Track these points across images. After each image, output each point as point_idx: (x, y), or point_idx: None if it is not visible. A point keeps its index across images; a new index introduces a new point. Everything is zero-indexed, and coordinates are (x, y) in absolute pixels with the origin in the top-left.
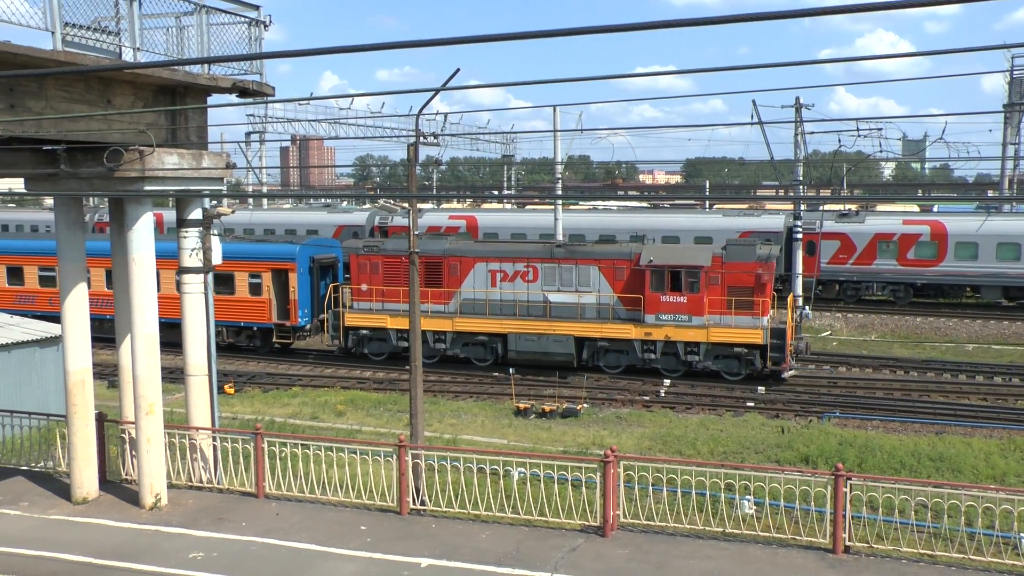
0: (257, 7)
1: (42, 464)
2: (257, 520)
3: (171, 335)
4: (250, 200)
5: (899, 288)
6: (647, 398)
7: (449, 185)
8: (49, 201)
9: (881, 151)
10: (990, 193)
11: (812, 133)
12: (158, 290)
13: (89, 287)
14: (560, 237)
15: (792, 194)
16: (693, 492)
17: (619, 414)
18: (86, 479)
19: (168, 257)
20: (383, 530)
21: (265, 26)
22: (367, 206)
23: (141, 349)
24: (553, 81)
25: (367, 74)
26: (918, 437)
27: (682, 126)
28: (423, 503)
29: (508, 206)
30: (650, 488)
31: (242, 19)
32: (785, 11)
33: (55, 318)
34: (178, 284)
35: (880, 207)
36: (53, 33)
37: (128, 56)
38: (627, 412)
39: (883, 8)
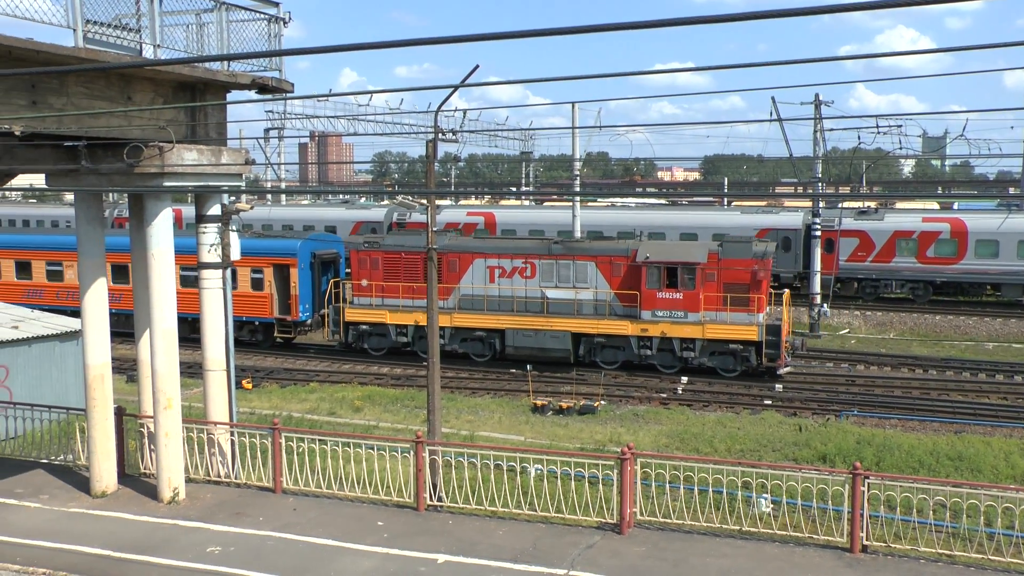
0: (277, 4)
1: (62, 457)
2: (274, 515)
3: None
4: (268, 196)
5: (918, 286)
6: (664, 395)
7: (467, 182)
8: (69, 197)
9: (901, 148)
10: (1011, 191)
11: (831, 130)
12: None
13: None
14: (578, 234)
15: (811, 191)
16: (710, 490)
17: (636, 411)
18: (105, 473)
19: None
20: (400, 526)
21: (285, 23)
22: (385, 202)
23: (160, 344)
24: (572, 78)
25: (386, 71)
26: (937, 436)
27: (701, 123)
28: (440, 499)
29: (527, 203)
30: (667, 486)
31: (262, 16)
32: (805, 8)
33: (61, 312)
34: (183, 279)
35: (899, 204)
36: (75, 30)
37: (148, 53)
38: (644, 409)
39: (904, 5)
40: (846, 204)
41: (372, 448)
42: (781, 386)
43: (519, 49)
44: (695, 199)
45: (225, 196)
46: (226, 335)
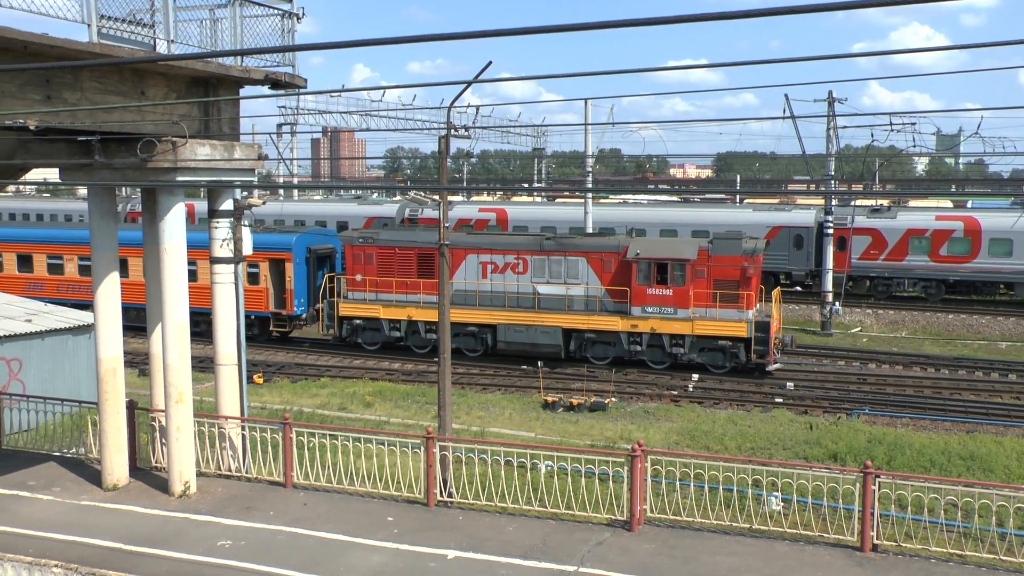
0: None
1: (74, 450)
2: (285, 509)
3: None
4: (281, 191)
5: (931, 285)
6: (675, 393)
7: (479, 178)
8: (82, 191)
9: (914, 146)
10: None
11: (844, 127)
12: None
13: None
14: (590, 230)
15: (823, 189)
16: (720, 488)
17: (647, 408)
18: (117, 466)
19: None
20: (410, 521)
21: (298, 19)
22: (397, 198)
23: (172, 338)
24: (584, 74)
25: (399, 66)
26: (948, 435)
27: (713, 120)
28: (450, 495)
29: (538, 199)
30: (677, 483)
31: (275, 12)
32: (818, 4)
33: (61, 305)
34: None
35: (912, 203)
36: (89, 25)
37: (162, 48)
38: (655, 407)
39: (918, 1)
40: (859, 202)
41: (383, 443)
42: (792, 384)
43: (532, 45)
44: (707, 196)
45: (237, 191)
46: (238, 330)
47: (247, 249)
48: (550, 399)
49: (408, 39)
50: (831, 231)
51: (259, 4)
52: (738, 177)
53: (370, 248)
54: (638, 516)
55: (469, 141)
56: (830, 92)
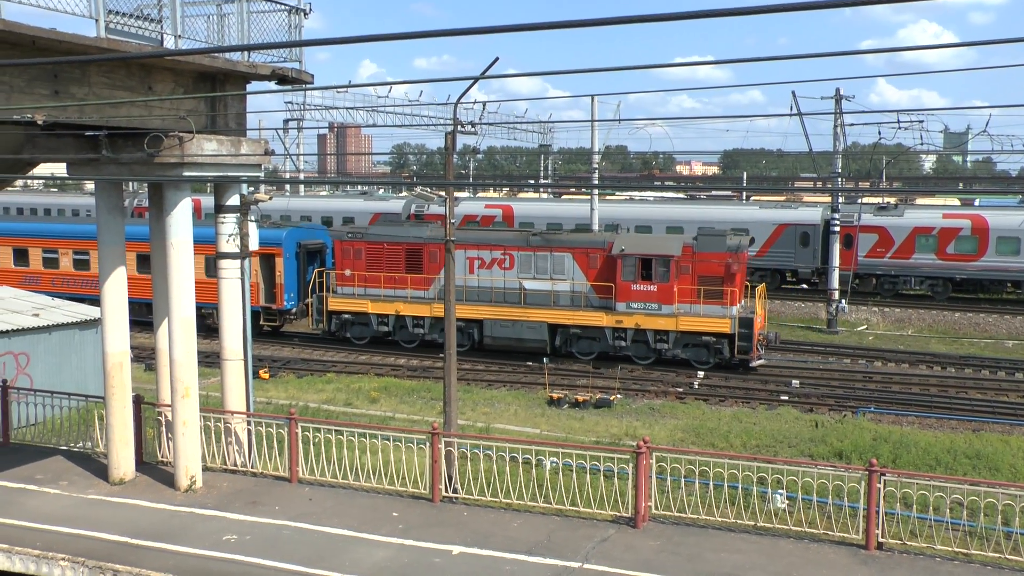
0: None
1: (81, 444)
2: (290, 504)
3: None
4: (287, 187)
5: (937, 283)
6: (680, 390)
7: (485, 174)
8: (89, 186)
9: (922, 144)
10: None
11: (852, 125)
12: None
13: (88, 268)
14: (596, 227)
15: (830, 186)
16: (725, 485)
17: (652, 405)
18: (123, 460)
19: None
20: (415, 517)
21: (305, 14)
22: (403, 194)
23: (178, 333)
24: (591, 71)
25: (405, 62)
26: (955, 434)
27: (720, 117)
28: (455, 491)
29: (545, 195)
30: (682, 480)
31: (282, 7)
32: (826, 1)
33: (56, 298)
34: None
35: (920, 200)
36: (97, 21)
37: (169, 43)
38: (660, 403)
39: None
40: (865, 200)
41: (388, 439)
42: (798, 382)
43: (539, 42)
44: (713, 193)
45: (244, 186)
46: (244, 324)
47: (253, 244)
48: (555, 395)
49: (414, 35)
50: (837, 229)
51: None
52: (744, 174)
53: (359, 243)
54: (643, 513)
55: (476, 137)
56: (837, 89)
